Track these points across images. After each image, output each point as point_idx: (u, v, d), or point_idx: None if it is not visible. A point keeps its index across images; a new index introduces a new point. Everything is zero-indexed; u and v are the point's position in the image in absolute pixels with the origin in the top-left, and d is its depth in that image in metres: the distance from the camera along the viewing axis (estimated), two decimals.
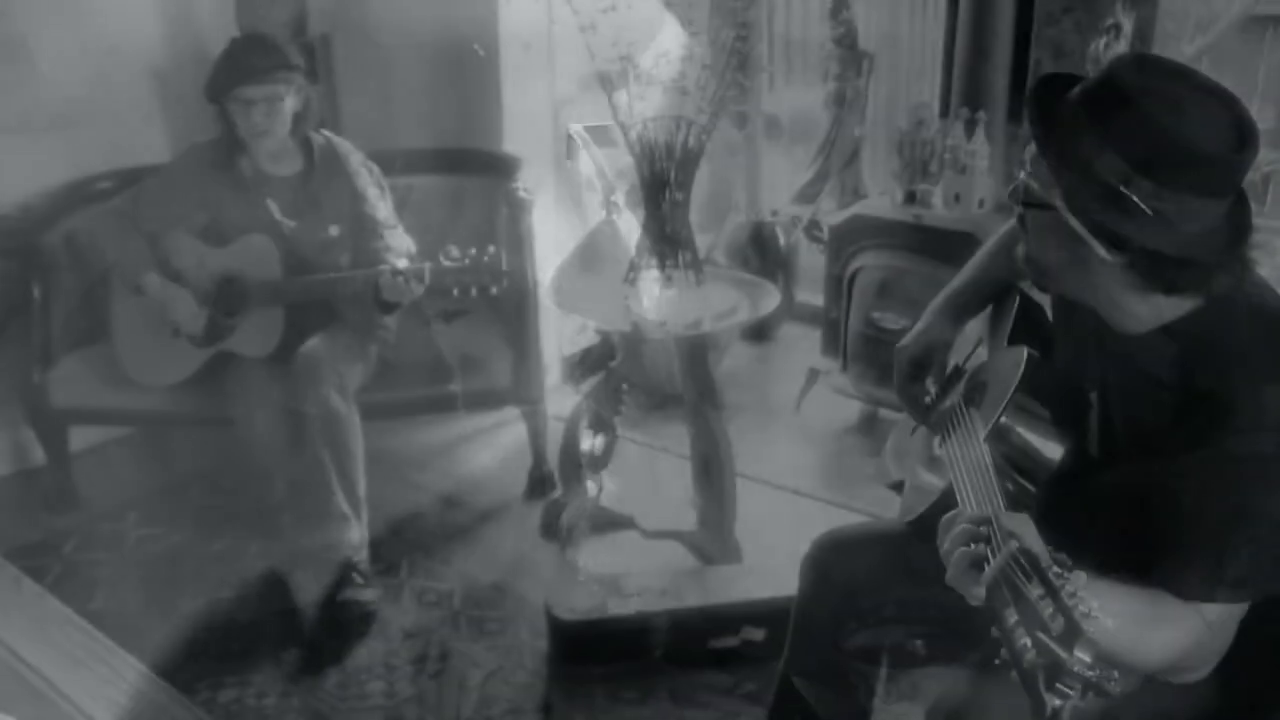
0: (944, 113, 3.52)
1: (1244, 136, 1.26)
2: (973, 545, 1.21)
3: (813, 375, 3.74)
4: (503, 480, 3.34)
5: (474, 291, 2.66)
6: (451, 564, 2.90)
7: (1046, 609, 1.07)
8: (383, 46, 3.75)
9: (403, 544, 2.98)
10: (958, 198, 3.28)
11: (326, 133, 2.96)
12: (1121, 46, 3.00)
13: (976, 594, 1.19)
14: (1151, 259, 1.29)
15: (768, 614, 2.47)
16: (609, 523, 3.06)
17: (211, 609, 2.71)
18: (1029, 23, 3.35)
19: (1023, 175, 1.39)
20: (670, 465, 3.38)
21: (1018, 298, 1.80)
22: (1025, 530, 1.20)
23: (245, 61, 2.76)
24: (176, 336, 2.87)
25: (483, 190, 3.38)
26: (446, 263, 2.64)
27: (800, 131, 4.51)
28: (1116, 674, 1.03)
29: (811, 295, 4.21)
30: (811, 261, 4.29)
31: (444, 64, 3.64)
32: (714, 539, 2.87)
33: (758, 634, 2.47)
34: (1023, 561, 1.13)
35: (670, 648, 2.44)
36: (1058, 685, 1.03)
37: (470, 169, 3.43)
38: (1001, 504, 1.30)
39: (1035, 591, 1.10)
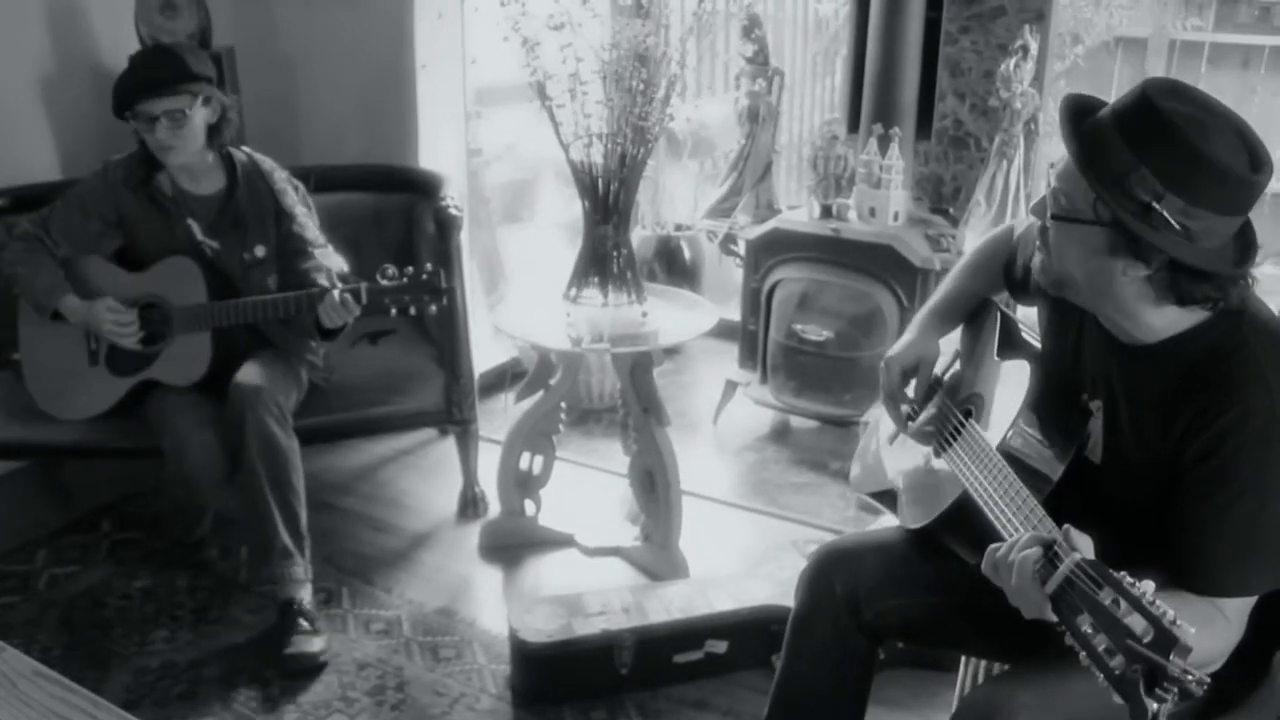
0: (852, 128, 3.62)
1: (1260, 160, 1.36)
2: (1035, 565, 1.27)
3: (730, 387, 3.79)
4: (431, 502, 3.28)
5: (413, 311, 2.59)
6: (394, 591, 2.83)
7: (1127, 615, 1.13)
8: (289, 59, 3.64)
9: (339, 572, 2.89)
10: (873, 211, 3.38)
11: (248, 149, 2.85)
12: (1029, 65, 3.14)
13: (1045, 609, 1.24)
14: (1172, 271, 1.38)
15: (729, 626, 2.50)
16: (549, 542, 3.04)
17: (145, 650, 2.57)
18: (935, 41, 3.48)
19: (1049, 190, 1.46)
20: (601, 481, 3.38)
21: (998, 312, 1.87)
22: (1085, 545, 1.26)
23: (144, 75, 2.62)
24: (94, 365, 2.73)
25: (402, 207, 3.32)
26: (384, 282, 2.57)
27: (699, 147, 4.57)
28: (1206, 676, 1.10)
29: (718, 308, 4.26)
30: (720, 275, 4.35)
31: (354, 77, 3.56)
32: (659, 554, 2.88)
33: (720, 646, 2.49)
34: (1090, 571, 1.19)
35: (636, 665, 2.43)
36: (1157, 690, 1.09)
37: (389, 186, 3.35)
38: (1046, 516, 1.36)
39: (1108, 598, 1.16)
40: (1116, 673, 1.12)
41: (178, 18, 3.28)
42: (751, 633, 2.50)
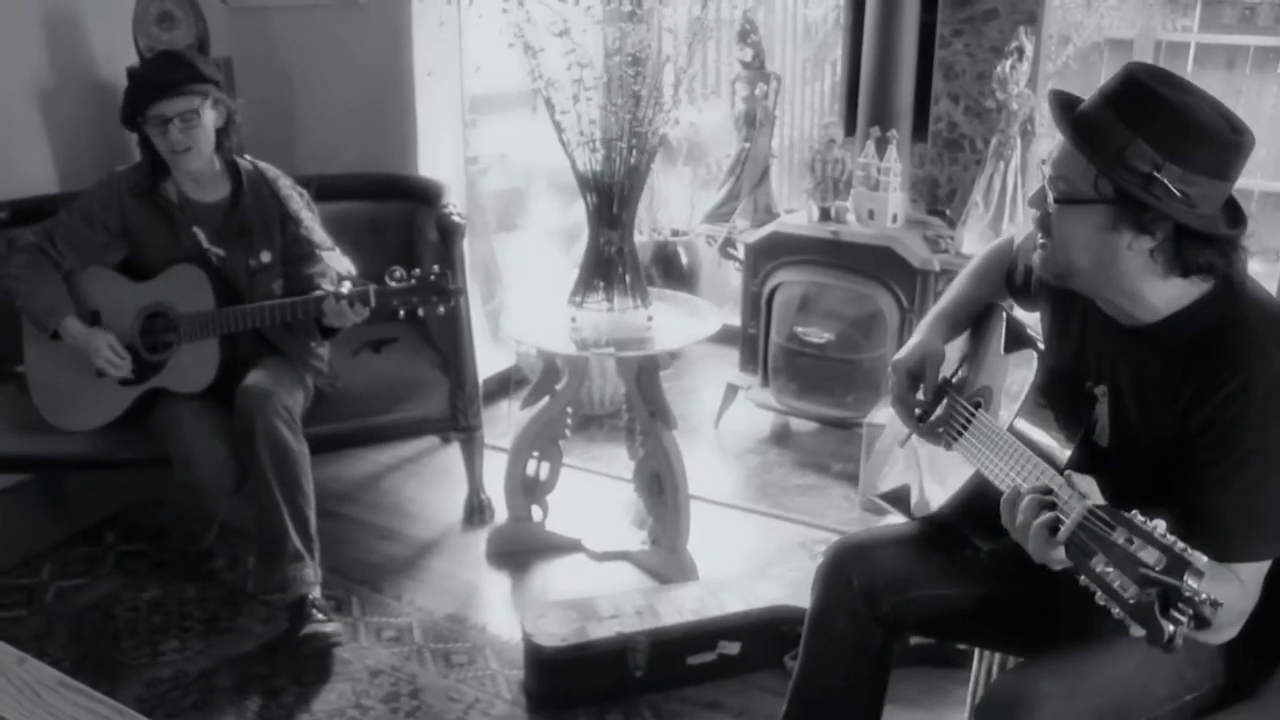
0: (849, 131, 3.65)
1: (1238, 125, 1.43)
2: (1043, 513, 1.33)
3: (731, 391, 3.80)
4: (436, 509, 3.28)
5: (421, 312, 2.59)
6: (403, 598, 2.82)
7: (1140, 549, 1.18)
8: (286, 69, 3.64)
9: (347, 580, 2.89)
10: (871, 214, 3.40)
11: (250, 157, 2.85)
12: (1025, 67, 3.16)
13: (1058, 556, 1.30)
14: (1177, 240, 1.44)
15: (741, 627, 2.51)
16: (557, 547, 3.05)
17: (156, 661, 2.56)
18: (930, 44, 3.51)
19: (1046, 180, 1.52)
20: (606, 486, 3.39)
21: (1003, 313, 1.89)
22: (1092, 490, 1.32)
23: (155, 77, 2.65)
24: (101, 376, 2.71)
25: (402, 215, 3.32)
26: (392, 283, 2.57)
27: (693, 152, 4.59)
28: (1219, 600, 1.13)
29: (720, 312, 4.27)
30: (718, 280, 4.37)
31: (352, 86, 3.56)
32: (667, 557, 2.89)
33: (733, 647, 2.50)
34: (1100, 514, 1.24)
35: (650, 667, 2.44)
36: (1172, 611, 1.13)
37: (390, 194, 3.35)
38: (1057, 477, 1.40)
39: (1121, 537, 1.20)
40: (1131, 602, 1.16)
41: (175, 29, 3.29)
42: (763, 633, 2.51)
